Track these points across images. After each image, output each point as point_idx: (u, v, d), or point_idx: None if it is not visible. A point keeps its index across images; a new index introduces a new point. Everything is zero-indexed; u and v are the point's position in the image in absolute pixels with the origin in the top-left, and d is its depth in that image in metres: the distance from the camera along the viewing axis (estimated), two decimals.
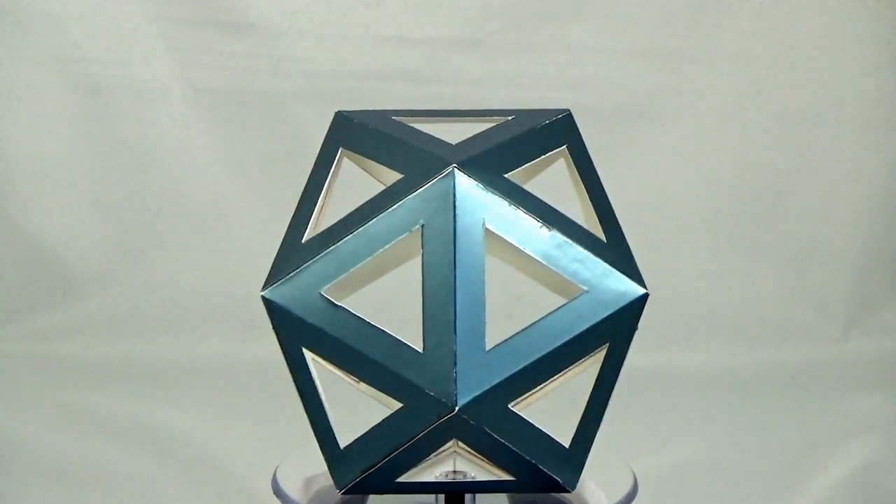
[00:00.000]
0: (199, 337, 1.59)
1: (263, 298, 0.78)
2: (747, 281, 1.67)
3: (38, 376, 1.49)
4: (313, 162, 0.84)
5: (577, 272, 0.76)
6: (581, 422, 0.78)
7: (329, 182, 0.82)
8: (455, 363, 0.73)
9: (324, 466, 0.81)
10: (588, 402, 0.78)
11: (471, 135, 0.83)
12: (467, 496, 0.84)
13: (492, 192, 0.76)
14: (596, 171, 0.82)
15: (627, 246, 0.79)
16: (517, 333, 0.76)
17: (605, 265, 0.77)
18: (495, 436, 0.76)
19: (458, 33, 1.68)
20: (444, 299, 0.74)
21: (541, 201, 0.78)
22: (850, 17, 1.69)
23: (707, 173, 1.70)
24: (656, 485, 1.10)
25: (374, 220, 0.77)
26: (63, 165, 1.66)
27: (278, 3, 1.66)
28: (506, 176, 0.78)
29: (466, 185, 0.76)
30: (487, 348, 0.75)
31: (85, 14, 1.65)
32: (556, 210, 0.78)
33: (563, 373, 0.79)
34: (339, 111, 0.84)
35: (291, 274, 0.78)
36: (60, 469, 1.19)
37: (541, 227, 0.77)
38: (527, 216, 0.77)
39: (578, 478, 0.79)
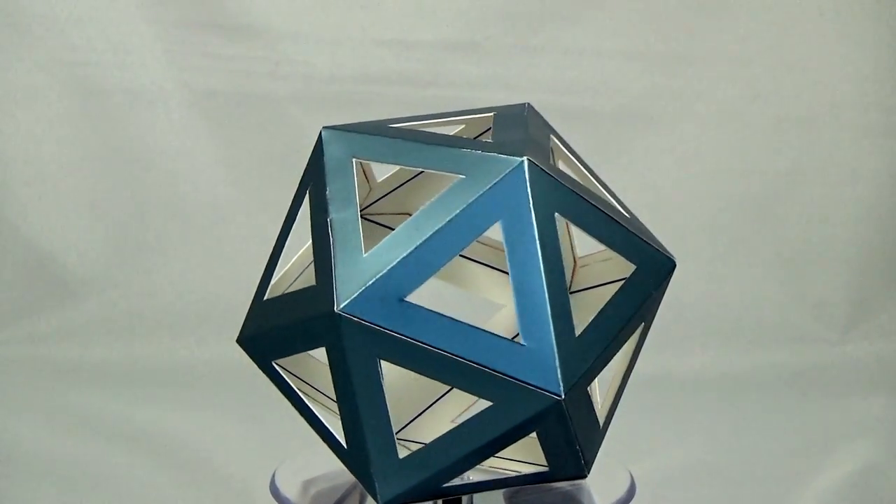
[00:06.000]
0: (197, 340, 1.59)
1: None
2: (745, 284, 1.67)
3: (37, 379, 1.49)
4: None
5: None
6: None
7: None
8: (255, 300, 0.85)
9: (321, 469, 0.81)
10: None
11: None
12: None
13: (335, 162, 0.78)
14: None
15: None
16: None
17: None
18: None
19: (456, 36, 1.68)
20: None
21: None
22: (849, 20, 1.69)
23: (705, 176, 1.70)
24: (653, 487, 1.10)
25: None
26: (61, 168, 1.66)
27: (276, 6, 1.66)
28: (356, 158, 0.79)
29: (332, 152, 0.79)
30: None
31: (83, 17, 1.65)
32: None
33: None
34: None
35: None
36: (59, 472, 1.19)
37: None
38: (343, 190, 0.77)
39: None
